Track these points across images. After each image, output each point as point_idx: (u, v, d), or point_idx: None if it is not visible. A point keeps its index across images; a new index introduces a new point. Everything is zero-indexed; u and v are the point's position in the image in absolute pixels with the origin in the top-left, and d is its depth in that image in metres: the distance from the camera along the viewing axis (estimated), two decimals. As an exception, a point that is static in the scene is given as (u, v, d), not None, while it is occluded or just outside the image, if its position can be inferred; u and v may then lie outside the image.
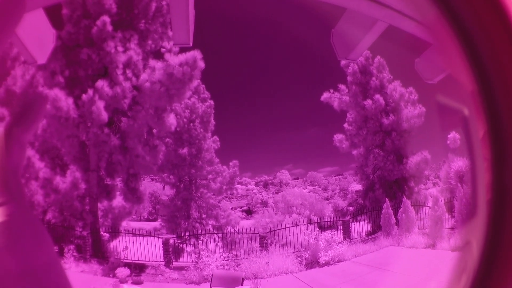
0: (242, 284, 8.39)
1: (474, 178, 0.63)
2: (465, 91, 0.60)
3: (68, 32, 13.87)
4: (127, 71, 14.65)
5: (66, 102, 13.33)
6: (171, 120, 15.88)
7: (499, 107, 0.55)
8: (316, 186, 29.28)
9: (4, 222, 0.40)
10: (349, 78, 18.21)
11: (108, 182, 15.68)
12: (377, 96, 17.23)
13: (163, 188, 21.96)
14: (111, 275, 12.10)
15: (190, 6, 2.50)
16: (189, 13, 2.49)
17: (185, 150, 19.86)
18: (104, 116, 13.87)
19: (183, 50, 14.99)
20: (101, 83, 13.96)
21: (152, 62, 14.84)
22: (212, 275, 8.83)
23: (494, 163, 0.57)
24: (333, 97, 18.88)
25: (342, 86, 18.71)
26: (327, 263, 12.53)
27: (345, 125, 19.03)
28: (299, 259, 12.98)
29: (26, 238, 0.42)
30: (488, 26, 0.55)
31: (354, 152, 18.98)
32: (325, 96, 19.10)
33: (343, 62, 17.94)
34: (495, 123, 0.56)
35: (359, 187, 20.23)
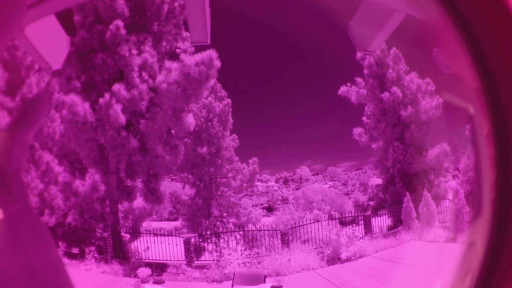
0: (264, 282, 8.28)
1: (478, 176, 0.62)
2: (469, 89, 0.59)
3: (82, 38, 14.05)
4: (143, 74, 14.75)
5: (83, 107, 13.50)
6: (190, 120, 15.85)
7: (503, 105, 0.55)
8: (336, 181, 29.10)
9: (6, 222, 0.39)
10: (365, 71, 17.96)
11: (128, 184, 15.80)
12: (394, 88, 16.91)
13: (183, 187, 22.08)
14: (132, 275, 12.19)
15: (206, 4, 2.50)
16: (206, 11, 2.48)
17: (204, 149, 19.94)
18: (122, 119, 13.99)
19: (198, 50, 15.06)
20: (118, 87, 14.08)
21: (168, 63, 14.85)
22: (234, 273, 8.77)
23: (498, 161, 0.56)
24: (351, 91, 18.68)
25: (359, 79, 18.47)
26: (348, 259, 12.41)
27: (364, 118, 18.82)
28: (320, 255, 12.84)
29: (28, 238, 0.41)
30: (492, 23, 0.55)
31: (374, 145, 18.73)
32: (342, 90, 18.93)
33: (359, 55, 17.72)
34: (499, 121, 0.56)
35: (379, 181, 19.99)
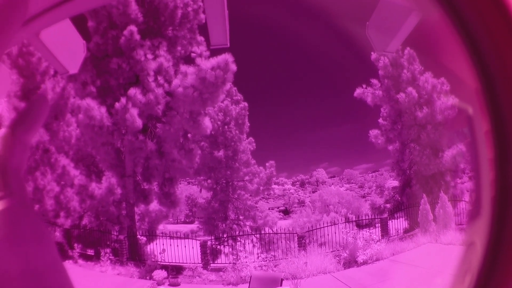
0: (281, 285, 8.14)
1: (477, 177, 0.62)
2: (468, 89, 0.60)
3: (96, 43, 14.22)
4: (159, 78, 14.86)
5: (99, 111, 13.64)
6: (206, 123, 15.94)
7: (502, 105, 0.55)
8: (353, 184, 28.86)
9: (6, 221, 0.40)
10: (380, 72, 17.72)
11: (145, 187, 15.83)
12: (410, 88, 16.59)
13: (200, 191, 22.10)
14: (148, 277, 12.25)
15: (225, 7, 2.49)
16: (225, 14, 2.48)
17: (221, 153, 19.98)
18: (139, 123, 14.10)
19: (213, 53, 15.14)
20: (133, 91, 14.20)
21: (184, 68, 14.94)
22: (250, 276, 8.62)
23: (497, 161, 0.56)
24: (366, 92, 18.44)
25: (374, 81, 18.22)
26: (365, 262, 12.21)
27: (380, 120, 18.55)
28: (337, 258, 12.65)
29: (28, 238, 0.41)
30: (491, 25, 0.55)
31: (390, 147, 18.43)
32: (358, 91, 18.72)
33: (373, 56, 17.49)
34: (498, 122, 0.56)
35: (395, 183, 19.69)
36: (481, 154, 0.60)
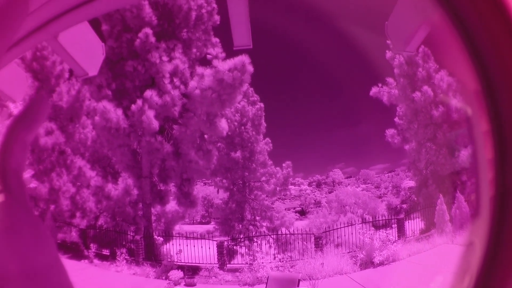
0: (298, 286, 8.02)
1: (477, 177, 0.62)
2: (468, 90, 0.60)
3: (111, 46, 14.34)
4: (175, 80, 14.91)
5: (115, 113, 13.71)
6: (223, 124, 15.92)
7: (501, 106, 0.55)
8: (369, 184, 28.52)
9: (5, 222, 0.39)
10: (396, 71, 17.36)
11: (161, 188, 15.83)
12: (425, 87, 16.23)
13: (218, 192, 22.11)
14: (163, 278, 12.23)
15: (247, 7, 2.31)
16: (247, 15, 2.31)
17: (238, 154, 19.97)
18: (155, 124, 14.15)
19: (229, 55, 15.22)
20: (150, 93, 14.26)
21: (200, 70, 14.94)
22: (268, 277, 8.51)
23: (497, 162, 0.56)
24: (382, 91, 18.12)
25: (390, 80, 17.88)
26: (381, 263, 11.97)
27: (396, 119, 18.20)
28: (353, 259, 12.43)
29: (26, 236, 0.40)
30: (491, 25, 0.55)
31: (406, 147, 18.07)
32: (374, 90, 18.42)
33: (388, 55, 17.20)
34: (498, 122, 0.56)
35: (412, 183, 19.30)
36: (480, 155, 0.60)
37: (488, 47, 0.55)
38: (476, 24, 0.56)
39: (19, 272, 0.38)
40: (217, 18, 16.16)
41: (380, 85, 18.21)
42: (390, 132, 18.59)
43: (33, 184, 14.06)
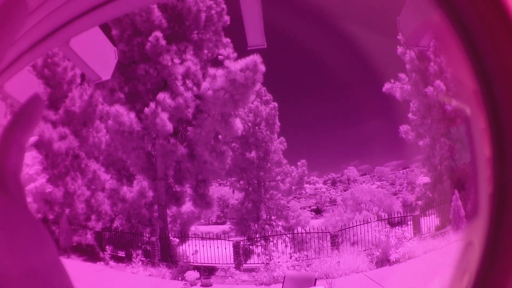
0: (315, 284, 7.92)
1: (475, 176, 0.62)
2: (466, 89, 0.59)
3: (122, 50, 14.37)
4: (187, 82, 14.91)
5: (128, 116, 13.77)
6: (238, 124, 15.88)
7: (500, 106, 0.54)
8: (384, 181, 28.20)
9: (3, 224, 0.39)
10: (407, 66, 17.04)
11: (176, 189, 15.81)
12: (437, 81, 15.90)
13: (233, 192, 22.09)
14: (180, 278, 12.23)
15: (260, 7, 2.37)
16: (261, 14, 2.36)
17: (252, 154, 19.92)
18: (169, 126, 14.19)
19: (240, 55, 15.10)
20: (162, 96, 14.27)
21: (212, 71, 14.91)
22: (284, 276, 8.44)
23: (495, 161, 0.56)
24: (395, 87, 17.81)
25: (402, 75, 17.56)
26: (397, 261, 11.79)
27: (409, 115, 17.89)
28: (369, 257, 12.31)
29: (26, 238, 0.40)
30: (490, 24, 0.54)
31: (420, 142, 17.73)
32: (386, 86, 18.12)
33: (400, 50, 16.90)
34: (496, 120, 0.55)
35: (426, 179, 18.94)
36: (479, 153, 0.59)
37: (487, 46, 0.54)
38: (475, 23, 0.55)
39: (19, 272, 0.37)
40: (227, 18, 16.13)
41: (392, 81, 17.93)
42: (404, 128, 18.31)
43: (48, 188, 14.21)
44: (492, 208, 0.55)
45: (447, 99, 15.44)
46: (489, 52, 0.54)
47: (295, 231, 15.89)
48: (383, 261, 12.08)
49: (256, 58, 14.19)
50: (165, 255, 13.95)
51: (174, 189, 16.00)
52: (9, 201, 0.40)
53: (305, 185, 26.24)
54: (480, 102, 0.55)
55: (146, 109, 14.10)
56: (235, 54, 15.30)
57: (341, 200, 25.16)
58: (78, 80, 16.09)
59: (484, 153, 0.56)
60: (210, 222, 26.93)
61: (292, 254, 13.58)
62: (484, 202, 0.57)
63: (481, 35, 0.55)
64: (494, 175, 0.55)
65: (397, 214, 15.31)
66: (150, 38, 14.08)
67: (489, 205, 0.56)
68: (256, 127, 20.24)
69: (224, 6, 15.88)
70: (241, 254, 13.52)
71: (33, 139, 13.80)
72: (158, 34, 14.09)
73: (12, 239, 0.38)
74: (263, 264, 12.59)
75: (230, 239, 14.40)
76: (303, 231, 15.47)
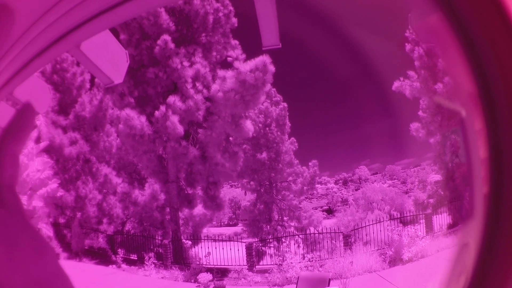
0: (329, 285, 7.84)
1: (470, 177, 0.60)
2: (464, 91, 0.58)
3: (131, 54, 14.33)
4: (197, 84, 14.85)
5: (139, 120, 13.77)
6: (248, 126, 15.80)
7: (498, 108, 0.53)
8: (395, 180, 27.92)
9: (2, 236, 0.39)
10: (416, 63, 16.77)
11: (188, 192, 15.77)
12: (447, 78, 15.64)
13: (245, 194, 22.01)
14: (192, 280, 12.18)
15: (275, 7, 2.27)
16: (276, 14, 2.27)
17: (264, 155, 19.82)
18: (180, 129, 14.15)
19: (249, 56, 15.10)
20: (172, 99, 14.26)
21: (221, 72, 14.88)
22: (298, 277, 8.37)
23: (491, 163, 0.54)
24: (404, 85, 17.56)
25: (411, 73, 17.31)
26: (410, 260, 11.64)
27: (420, 112, 17.62)
28: (382, 256, 12.15)
29: (26, 250, 0.40)
30: (490, 26, 0.53)
31: (431, 140, 17.47)
32: (396, 85, 17.88)
33: (408, 47, 16.67)
34: (493, 123, 0.54)
35: (438, 177, 18.64)
36: (474, 154, 0.58)
37: (485, 47, 0.53)
38: (474, 24, 0.54)
39: (21, 284, 0.37)
40: (234, 20, 16.07)
41: (402, 79, 17.70)
42: (414, 126, 18.05)
43: (59, 193, 14.27)
44: (487, 209, 0.54)
45: (443, 101, 15.23)
46: (488, 54, 0.53)
47: (308, 232, 15.77)
48: (396, 260, 11.91)
49: (265, 58, 14.11)
50: (178, 258, 13.91)
51: (186, 192, 15.95)
52: (6, 214, 0.40)
53: (317, 185, 26.08)
54: (477, 104, 0.54)
55: (157, 113, 14.08)
56: (244, 56, 15.32)
57: (352, 199, 25.00)
58: (88, 86, 16.31)
59: (479, 154, 0.55)
60: (222, 224, 26.92)
61: (305, 255, 13.49)
62: (480, 203, 0.56)
63: (480, 36, 0.53)
64: (490, 176, 0.54)
65: (409, 212, 15.13)
66: (159, 42, 14.07)
67: (485, 206, 0.55)
68: (267, 128, 20.15)
69: (231, 8, 15.86)
70: (254, 256, 13.44)
71: (43, 144, 13.91)
72: (166, 37, 14.08)
73: (12, 252, 0.37)
74: (276, 265, 12.48)
75: (242, 240, 14.25)
76: (316, 232, 15.35)
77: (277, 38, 2.41)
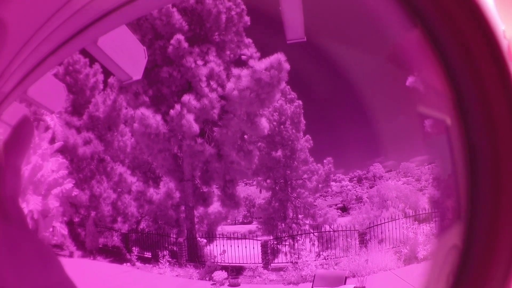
0: (345, 283, 7.71)
1: (456, 182, 0.62)
2: (442, 99, 0.61)
3: (144, 55, 14.20)
4: (211, 83, 14.75)
5: (154, 119, 13.73)
6: (264, 123, 15.74)
7: (473, 115, 0.55)
8: (410, 177, 27.48)
9: (7, 247, 0.39)
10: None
11: (204, 190, 15.72)
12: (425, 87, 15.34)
13: (260, 191, 21.88)
14: (207, 278, 12.08)
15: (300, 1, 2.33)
16: (301, 8, 2.32)
17: (279, 153, 19.65)
18: (195, 128, 14.06)
19: (263, 55, 14.88)
20: (187, 97, 14.18)
21: (235, 71, 14.73)
22: (314, 275, 8.30)
23: (469, 168, 0.57)
24: (418, 80, 17.27)
25: (424, 66, 17.05)
26: (425, 258, 11.48)
27: (435, 108, 17.32)
28: (397, 254, 12.02)
29: (31, 260, 0.40)
30: (465, 37, 0.54)
31: (446, 136, 17.16)
32: (410, 80, 17.54)
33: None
34: (469, 129, 0.56)
35: (452, 174, 18.31)
36: (456, 161, 0.60)
37: (458, 54, 0.54)
38: (447, 32, 0.55)
39: None
40: (247, 19, 15.91)
41: (416, 73, 17.44)
42: (429, 122, 17.77)
43: (74, 192, 14.32)
44: (468, 212, 0.55)
45: (426, 111, 14.87)
46: (461, 60, 0.54)
47: (323, 230, 15.61)
48: (411, 258, 11.71)
49: (280, 56, 13.94)
50: (192, 256, 13.86)
51: (202, 190, 15.88)
52: (10, 226, 0.39)
53: (332, 183, 25.84)
54: (454, 111, 0.55)
55: (172, 111, 14.00)
56: (258, 54, 15.13)
57: (367, 197, 24.73)
58: (101, 86, 16.42)
59: (460, 160, 0.57)
60: (236, 222, 26.87)
61: (320, 253, 13.41)
62: (463, 207, 0.56)
63: (453, 41, 0.54)
64: (468, 181, 0.55)
65: (424, 210, 14.83)
66: (172, 41, 13.99)
67: (466, 210, 0.56)
68: (282, 126, 19.96)
69: (243, 7, 15.71)
70: (269, 254, 13.29)
71: (57, 145, 13.98)
72: (179, 37, 13.99)
73: (18, 263, 0.38)
74: (291, 263, 12.44)
75: (257, 238, 14.22)
76: (331, 229, 15.18)
77: (302, 32, 2.41)
